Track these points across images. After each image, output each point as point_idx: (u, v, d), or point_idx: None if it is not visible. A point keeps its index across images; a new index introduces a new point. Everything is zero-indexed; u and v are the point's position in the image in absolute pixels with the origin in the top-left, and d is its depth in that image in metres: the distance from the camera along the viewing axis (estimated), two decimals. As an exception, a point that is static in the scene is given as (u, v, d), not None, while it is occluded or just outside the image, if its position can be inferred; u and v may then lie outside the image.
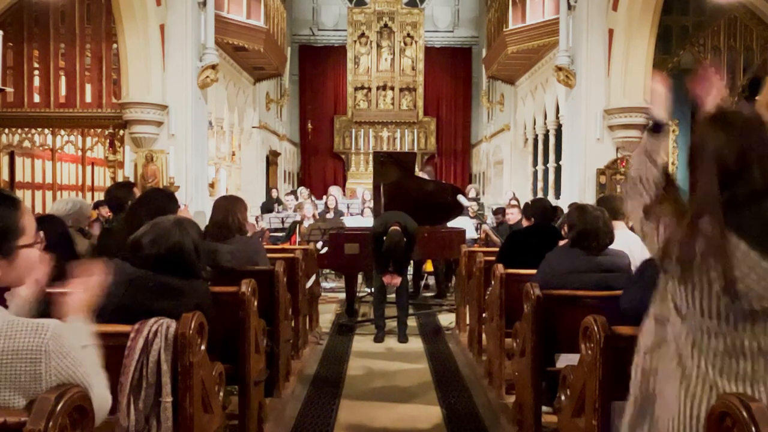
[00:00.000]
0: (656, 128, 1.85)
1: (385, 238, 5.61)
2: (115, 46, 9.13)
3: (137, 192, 4.42)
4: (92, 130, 9.48)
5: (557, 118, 11.85)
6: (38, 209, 9.67)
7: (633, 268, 3.45)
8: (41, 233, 1.59)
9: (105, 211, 6.71)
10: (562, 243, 3.89)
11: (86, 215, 4.55)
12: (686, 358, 1.65)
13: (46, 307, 2.03)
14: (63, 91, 9.44)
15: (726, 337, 1.60)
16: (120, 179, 8.88)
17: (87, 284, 1.74)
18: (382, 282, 6.00)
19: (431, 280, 8.91)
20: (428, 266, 8.61)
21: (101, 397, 1.56)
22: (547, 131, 12.67)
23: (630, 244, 3.81)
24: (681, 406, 1.64)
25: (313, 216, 9.00)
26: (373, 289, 6.62)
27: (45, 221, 3.37)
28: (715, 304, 1.58)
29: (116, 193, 4.30)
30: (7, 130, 9.40)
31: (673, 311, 1.68)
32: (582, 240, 3.34)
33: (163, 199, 3.44)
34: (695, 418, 1.61)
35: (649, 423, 1.77)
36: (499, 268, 4.05)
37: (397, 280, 5.75)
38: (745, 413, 1.41)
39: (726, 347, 1.60)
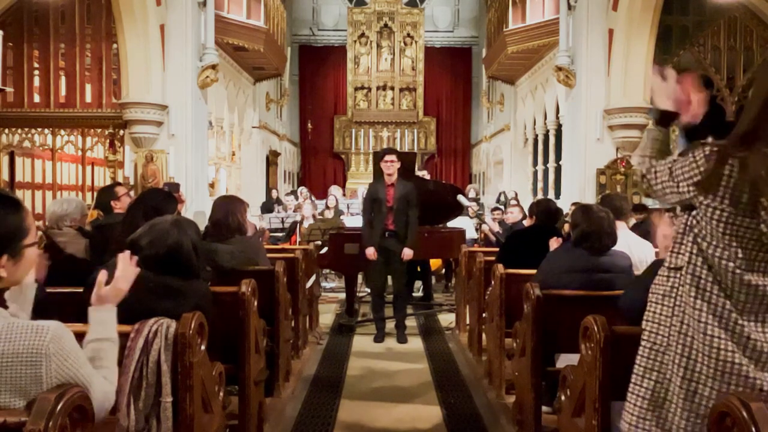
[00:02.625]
0: (663, 120, 1.86)
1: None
2: (115, 46, 9.13)
3: (121, 189, 4.55)
4: (92, 130, 9.49)
5: (557, 118, 11.85)
6: (38, 209, 9.68)
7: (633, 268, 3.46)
8: (40, 232, 1.62)
9: (104, 212, 6.71)
10: (553, 240, 3.89)
11: (83, 214, 4.58)
12: (705, 302, 1.67)
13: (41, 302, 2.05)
14: (63, 91, 9.45)
15: (753, 276, 1.63)
16: (120, 179, 8.89)
17: (123, 275, 1.80)
18: (381, 282, 5.99)
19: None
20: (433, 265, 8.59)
21: (105, 395, 1.57)
22: (547, 131, 12.67)
23: (630, 244, 3.82)
24: (700, 347, 1.66)
25: (313, 216, 9.01)
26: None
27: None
28: (749, 241, 1.61)
29: (100, 199, 4.54)
30: (7, 130, 9.40)
31: (695, 256, 1.70)
32: (584, 240, 3.35)
33: (160, 199, 3.42)
34: (714, 358, 1.64)
35: (657, 372, 1.78)
36: (499, 268, 4.05)
37: (409, 253, 5.63)
38: (745, 413, 1.41)
39: (752, 288, 1.63)
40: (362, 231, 5.88)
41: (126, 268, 1.85)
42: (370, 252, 5.66)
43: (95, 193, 5.00)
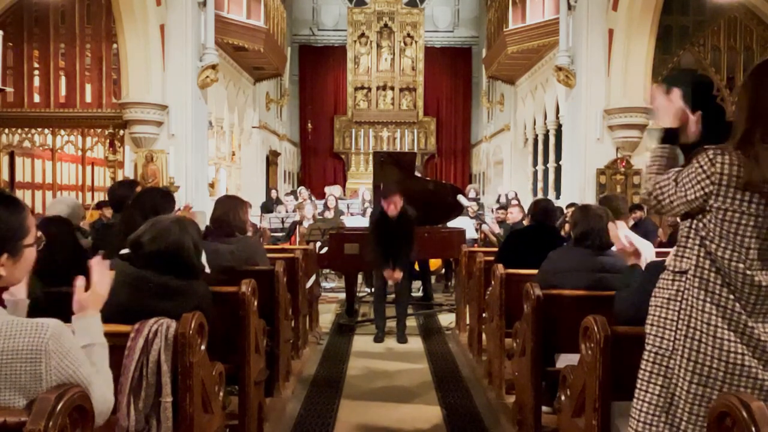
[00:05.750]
0: (669, 137, 1.88)
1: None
2: (115, 46, 9.14)
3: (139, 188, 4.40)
4: (92, 130, 9.49)
5: (557, 118, 11.85)
6: (38, 209, 9.68)
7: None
8: (40, 233, 1.62)
9: (108, 212, 6.69)
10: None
11: (80, 213, 4.57)
12: (714, 305, 1.67)
13: (37, 305, 2.05)
14: (63, 91, 9.45)
15: (764, 277, 1.63)
16: (120, 179, 8.88)
17: (100, 281, 1.79)
18: (382, 282, 5.99)
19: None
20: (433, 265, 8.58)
21: (103, 396, 1.57)
22: (547, 131, 12.67)
23: (630, 244, 3.81)
24: (709, 350, 1.66)
25: (313, 216, 9.00)
26: (372, 289, 6.61)
27: (52, 223, 3.36)
28: (764, 241, 1.62)
29: (118, 192, 4.21)
30: (7, 130, 9.40)
31: (702, 259, 1.70)
32: (584, 239, 3.35)
33: (158, 198, 3.41)
34: (725, 361, 1.64)
35: (663, 377, 1.77)
36: (499, 268, 4.05)
37: (399, 275, 5.73)
38: (745, 413, 1.41)
39: (762, 289, 1.64)
40: (375, 252, 5.93)
41: (101, 272, 1.82)
42: (392, 275, 5.76)
43: (109, 189, 4.68)
